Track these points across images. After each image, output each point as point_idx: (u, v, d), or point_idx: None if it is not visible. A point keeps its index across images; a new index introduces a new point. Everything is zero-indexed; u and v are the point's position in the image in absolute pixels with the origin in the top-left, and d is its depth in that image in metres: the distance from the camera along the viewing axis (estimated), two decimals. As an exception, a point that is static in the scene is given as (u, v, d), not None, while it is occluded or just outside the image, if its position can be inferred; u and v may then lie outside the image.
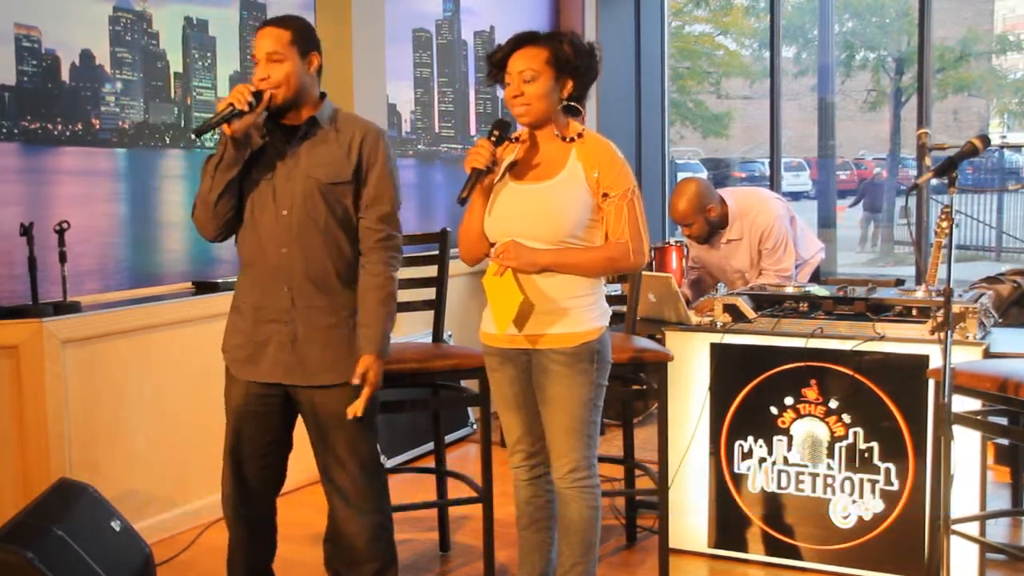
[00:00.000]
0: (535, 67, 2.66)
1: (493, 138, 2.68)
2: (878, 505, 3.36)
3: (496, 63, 2.72)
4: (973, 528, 3.18)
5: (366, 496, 2.84)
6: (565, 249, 2.67)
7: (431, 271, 3.63)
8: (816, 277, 4.59)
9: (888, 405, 3.31)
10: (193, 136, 2.64)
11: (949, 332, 2.66)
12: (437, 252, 3.63)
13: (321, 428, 2.80)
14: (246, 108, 2.61)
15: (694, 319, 3.67)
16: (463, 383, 3.55)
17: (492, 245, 2.77)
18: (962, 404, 2.99)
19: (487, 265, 2.75)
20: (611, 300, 3.81)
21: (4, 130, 3.60)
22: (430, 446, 4.74)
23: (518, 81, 2.66)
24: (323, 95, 2.80)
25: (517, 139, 2.78)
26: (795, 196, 16.65)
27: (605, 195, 2.68)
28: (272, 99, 2.67)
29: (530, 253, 2.65)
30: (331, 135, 2.76)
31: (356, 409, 2.72)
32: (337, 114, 2.82)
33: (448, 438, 4.94)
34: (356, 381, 2.72)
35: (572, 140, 2.73)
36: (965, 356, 3.15)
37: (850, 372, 3.35)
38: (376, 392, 2.80)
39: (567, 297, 2.69)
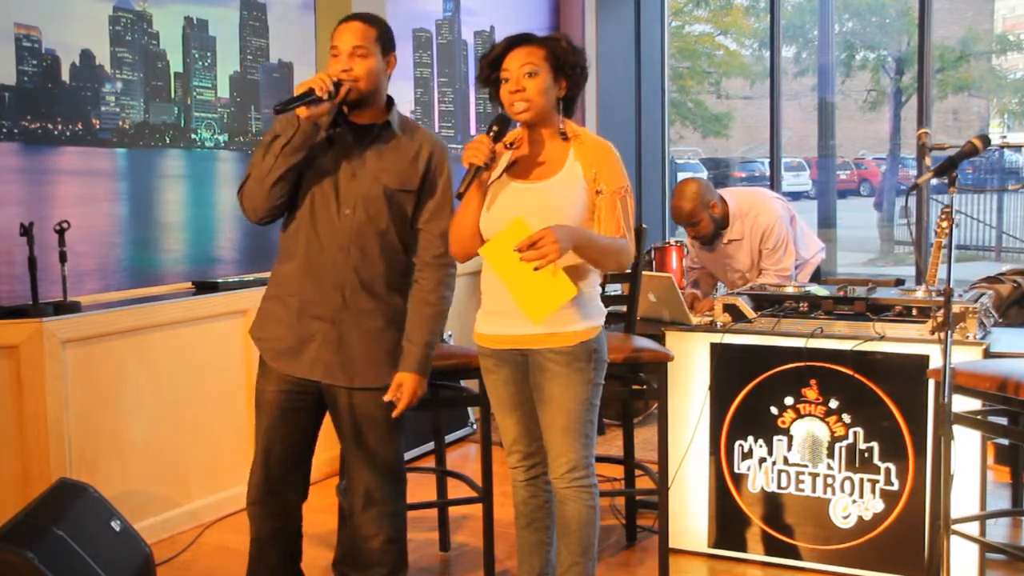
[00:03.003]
0: (535, 62, 2.65)
1: (492, 133, 2.67)
2: (878, 505, 3.36)
3: (491, 62, 2.70)
4: (973, 528, 3.18)
5: (388, 498, 2.85)
6: (589, 232, 2.63)
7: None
8: (816, 277, 4.59)
9: (888, 405, 3.31)
10: (274, 113, 2.62)
11: (949, 332, 2.66)
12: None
13: (355, 427, 2.80)
14: (325, 96, 2.60)
15: (694, 319, 3.67)
16: (463, 383, 3.55)
17: (485, 242, 2.76)
18: (962, 404, 3.00)
19: (494, 257, 2.64)
20: (611, 300, 3.82)
21: (4, 130, 3.60)
22: (430, 446, 4.74)
23: (518, 75, 2.65)
24: (391, 100, 2.79)
25: (510, 145, 2.77)
26: (795, 196, 16.65)
27: (598, 191, 2.68)
28: (349, 92, 2.66)
29: (567, 237, 2.53)
30: (402, 141, 2.76)
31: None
32: (406, 121, 2.82)
33: (448, 438, 4.93)
34: (388, 398, 2.74)
35: (568, 138, 2.73)
36: (965, 356, 3.15)
37: (850, 372, 3.35)
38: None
39: None
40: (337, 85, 2.62)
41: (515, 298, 2.63)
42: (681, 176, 19.02)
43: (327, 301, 2.72)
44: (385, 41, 2.73)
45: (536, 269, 2.50)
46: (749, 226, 4.38)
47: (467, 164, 2.64)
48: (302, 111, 2.60)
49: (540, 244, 2.48)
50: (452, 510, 3.87)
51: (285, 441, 2.79)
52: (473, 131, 6.04)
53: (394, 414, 2.76)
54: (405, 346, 2.79)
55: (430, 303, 2.80)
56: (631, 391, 3.58)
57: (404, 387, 2.76)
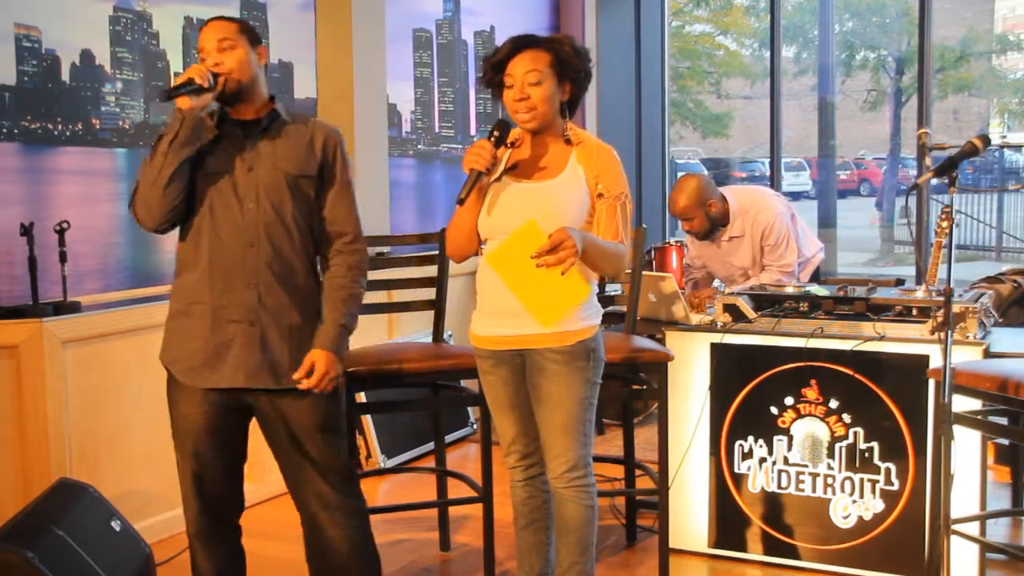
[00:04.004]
0: (540, 69, 2.64)
1: (493, 139, 2.66)
2: (878, 505, 3.36)
3: (495, 65, 2.68)
4: (973, 528, 3.18)
5: (345, 499, 2.73)
6: (593, 236, 2.62)
7: (431, 271, 3.63)
8: (816, 277, 4.59)
9: (888, 405, 3.31)
10: (161, 101, 2.56)
11: (949, 332, 2.66)
12: (437, 252, 3.63)
13: (293, 437, 2.67)
14: (205, 84, 2.53)
15: (693, 318, 3.67)
16: (463, 383, 3.55)
17: (483, 243, 2.76)
18: (962, 404, 2.99)
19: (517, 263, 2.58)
20: (611, 300, 3.82)
21: (4, 130, 3.60)
22: (430, 446, 4.74)
23: (522, 84, 2.64)
24: (273, 97, 2.73)
25: (512, 144, 2.77)
26: (795, 196, 16.65)
27: (600, 195, 2.68)
28: (227, 84, 2.59)
29: (579, 239, 2.50)
30: (292, 129, 2.69)
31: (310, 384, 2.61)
32: (294, 111, 2.77)
33: (448, 438, 4.93)
34: (297, 376, 2.60)
35: (571, 143, 2.73)
36: (965, 356, 3.15)
37: (850, 372, 3.35)
38: (340, 396, 2.73)
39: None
40: (215, 76, 2.57)
41: (525, 303, 2.60)
42: (681, 175, 19.02)
43: (241, 302, 2.60)
44: (250, 32, 2.67)
45: (563, 273, 2.47)
46: (750, 223, 4.39)
47: (468, 170, 2.63)
48: (184, 102, 2.53)
49: (561, 247, 2.45)
50: (452, 510, 3.87)
51: (218, 463, 2.68)
52: (473, 131, 6.04)
53: (302, 386, 2.61)
54: (319, 326, 2.67)
55: (343, 287, 2.69)
56: (631, 391, 3.59)
57: (316, 366, 2.62)
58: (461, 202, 2.65)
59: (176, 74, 2.60)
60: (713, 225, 4.38)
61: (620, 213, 2.69)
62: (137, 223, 2.65)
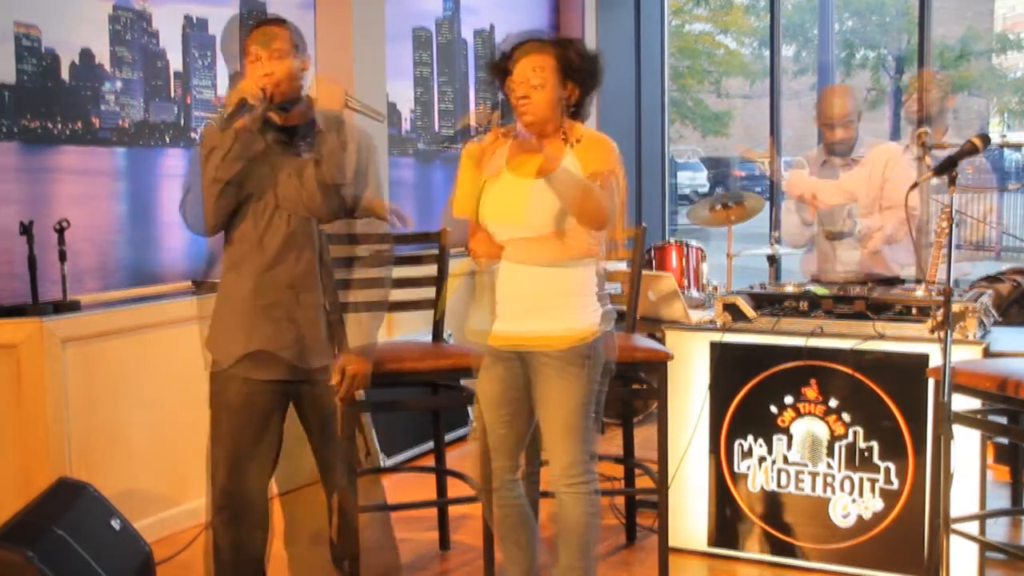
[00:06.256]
0: (543, 73, 2.66)
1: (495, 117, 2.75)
2: (878, 504, 3.36)
3: (501, 65, 2.71)
4: (973, 527, 3.18)
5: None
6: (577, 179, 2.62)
7: (431, 271, 3.62)
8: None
9: (888, 404, 3.31)
10: (221, 131, 2.63)
11: (949, 331, 2.66)
12: (437, 252, 3.63)
13: (324, 420, 2.85)
14: (257, 104, 2.63)
15: (693, 318, 3.67)
16: (463, 383, 3.54)
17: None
18: (962, 403, 2.99)
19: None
20: (611, 300, 3.81)
21: (4, 129, 3.60)
22: (430, 445, 4.73)
23: (526, 86, 2.66)
24: (310, 99, 2.81)
25: (507, 134, 2.77)
26: (795, 195, 16.59)
27: (593, 174, 2.67)
28: (273, 96, 2.66)
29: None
30: (328, 137, 2.78)
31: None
32: (330, 117, 2.83)
33: (448, 437, 4.93)
34: (336, 379, 2.83)
35: (573, 144, 2.73)
36: (965, 355, 3.15)
37: (850, 371, 3.35)
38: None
39: (562, 296, 2.69)
40: (264, 91, 2.66)
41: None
42: (681, 175, 19.03)
43: (284, 302, 2.77)
44: (300, 42, 2.77)
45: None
46: (873, 154, 4.13)
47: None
48: (238, 122, 2.63)
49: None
50: (452, 510, 3.87)
51: (253, 446, 2.80)
52: (473, 131, 6.04)
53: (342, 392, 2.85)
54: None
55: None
56: (631, 390, 3.58)
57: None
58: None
59: (228, 86, 2.71)
60: (854, 140, 4.16)
61: (615, 186, 2.68)
62: (187, 227, 2.82)
